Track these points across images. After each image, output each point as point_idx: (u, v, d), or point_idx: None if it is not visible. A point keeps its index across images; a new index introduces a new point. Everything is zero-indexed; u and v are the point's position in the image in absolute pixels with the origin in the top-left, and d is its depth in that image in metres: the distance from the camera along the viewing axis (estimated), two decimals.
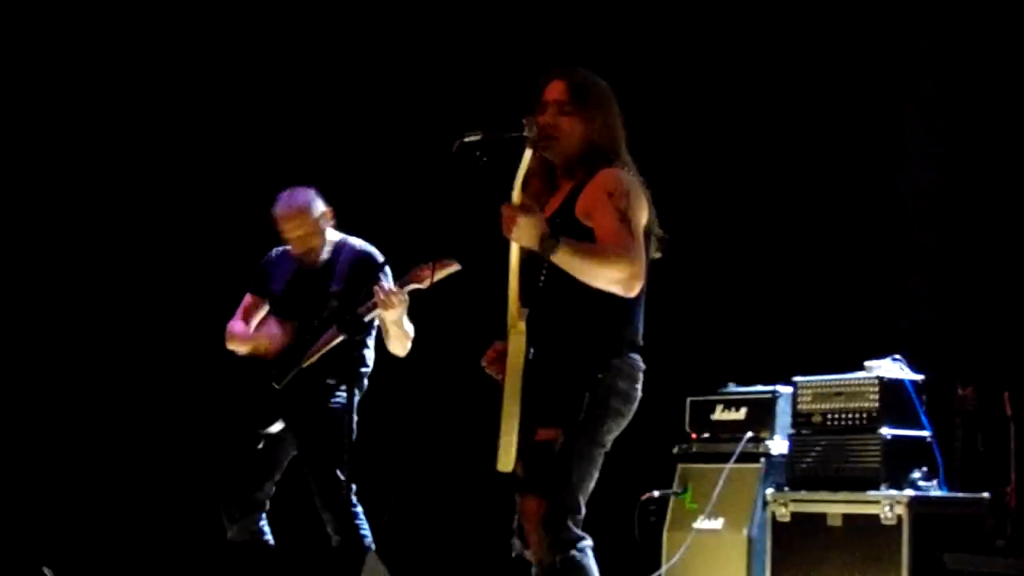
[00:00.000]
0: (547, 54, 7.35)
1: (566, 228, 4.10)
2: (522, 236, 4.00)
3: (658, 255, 4.28)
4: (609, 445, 4.18)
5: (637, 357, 4.22)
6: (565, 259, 4.00)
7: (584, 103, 4.25)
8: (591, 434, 4.13)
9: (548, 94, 4.27)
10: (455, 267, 5.24)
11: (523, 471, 4.15)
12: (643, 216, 4.16)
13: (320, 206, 5.79)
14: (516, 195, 4.08)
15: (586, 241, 4.07)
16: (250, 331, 5.81)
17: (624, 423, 4.20)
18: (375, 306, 5.41)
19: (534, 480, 4.10)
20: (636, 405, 4.22)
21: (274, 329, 5.73)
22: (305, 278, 5.82)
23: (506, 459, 4.11)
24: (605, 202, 4.10)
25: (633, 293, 4.08)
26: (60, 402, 7.22)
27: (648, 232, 4.20)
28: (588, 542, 4.11)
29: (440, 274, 5.24)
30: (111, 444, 7.24)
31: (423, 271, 5.28)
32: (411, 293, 5.41)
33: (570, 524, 4.08)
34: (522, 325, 4.09)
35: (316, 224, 5.78)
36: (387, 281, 5.54)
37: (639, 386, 4.22)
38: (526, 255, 4.10)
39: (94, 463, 7.23)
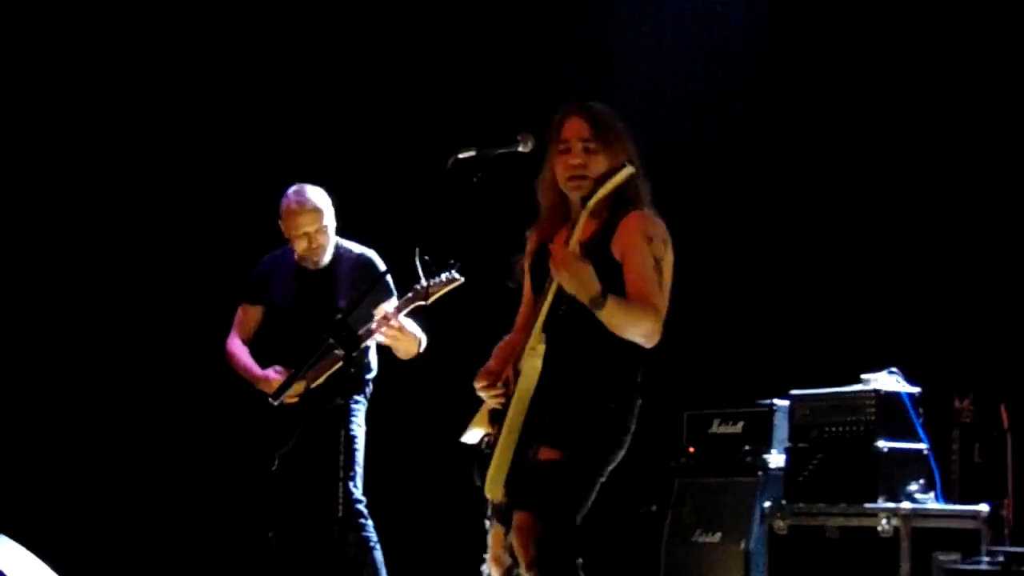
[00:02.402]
0: (543, 71, 7.41)
1: (598, 261, 4.10)
2: (572, 284, 4.01)
3: None
4: (606, 476, 4.22)
5: (637, 392, 4.29)
6: (607, 315, 4.03)
7: (607, 139, 4.24)
8: (596, 463, 4.17)
9: (568, 132, 4.25)
10: (458, 283, 5.26)
11: (509, 494, 4.17)
12: (670, 266, 4.22)
13: (331, 206, 5.80)
14: (574, 241, 4.08)
15: (623, 298, 4.07)
16: (253, 367, 5.78)
17: (621, 455, 4.24)
18: (375, 329, 5.42)
19: (532, 497, 4.10)
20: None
21: (273, 375, 5.70)
22: (309, 285, 5.80)
23: (496, 485, 4.15)
24: (643, 247, 4.14)
25: (651, 345, 4.15)
26: (70, 414, 7.23)
27: None
28: (579, 560, 4.14)
29: (442, 291, 5.27)
30: (120, 456, 7.24)
31: (425, 289, 5.29)
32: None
33: (564, 543, 4.10)
34: (542, 348, 4.12)
35: (327, 220, 5.77)
36: (390, 298, 5.54)
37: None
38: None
39: (100, 474, 7.23)
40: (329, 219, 5.77)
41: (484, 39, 7.66)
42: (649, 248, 4.14)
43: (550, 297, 4.11)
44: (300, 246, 5.76)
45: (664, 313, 4.13)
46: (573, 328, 4.12)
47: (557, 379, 4.13)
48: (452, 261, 5.18)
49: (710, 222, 7.13)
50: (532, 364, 4.12)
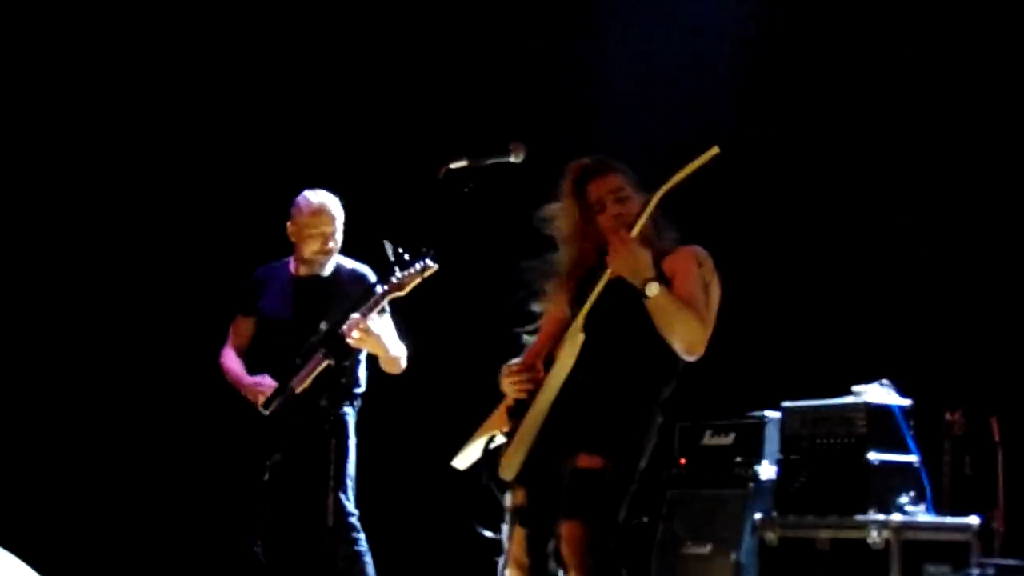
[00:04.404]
0: (533, 81, 7.41)
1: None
2: (627, 264, 4.09)
3: None
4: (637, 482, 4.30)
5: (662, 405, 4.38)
6: (659, 302, 4.10)
7: (632, 184, 4.39)
8: (632, 468, 4.25)
9: (599, 191, 4.35)
10: (432, 270, 5.23)
11: (533, 498, 4.22)
12: (717, 295, 4.33)
13: None
14: (636, 229, 4.15)
15: (675, 295, 4.15)
16: (243, 375, 5.76)
17: (644, 463, 4.33)
18: (347, 332, 5.41)
19: (579, 506, 4.14)
20: None
21: (266, 383, 5.68)
22: (308, 298, 5.76)
23: (512, 465, 4.17)
24: (694, 269, 4.28)
25: (693, 357, 4.23)
26: (60, 421, 7.23)
27: None
28: (624, 571, 4.21)
29: (416, 280, 5.25)
30: (110, 464, 7.24)
31: (400, 280, 5.28)
32: (392, 301, 5.41)
33: (612, 548, 4.15)
34: (580, 338, 4.17)
35: (340, 227, 5.77)
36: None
37: None
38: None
39: (89, 482, 7.22)
40: (342, 225, 5.76)
41: (476, 50, 7.68)
42: (699, 271, 4.28)
43: (596, 291, 4.16)
44: (312, 247, 5.72)
45: (710, 332, 4.20)
46: (612, 328, 4.19)
47: (592, 379, 4.19)
48: (425, 249, 5.16)
49: (701, 234, 7.12)
50: (570, 351, 4.18)
